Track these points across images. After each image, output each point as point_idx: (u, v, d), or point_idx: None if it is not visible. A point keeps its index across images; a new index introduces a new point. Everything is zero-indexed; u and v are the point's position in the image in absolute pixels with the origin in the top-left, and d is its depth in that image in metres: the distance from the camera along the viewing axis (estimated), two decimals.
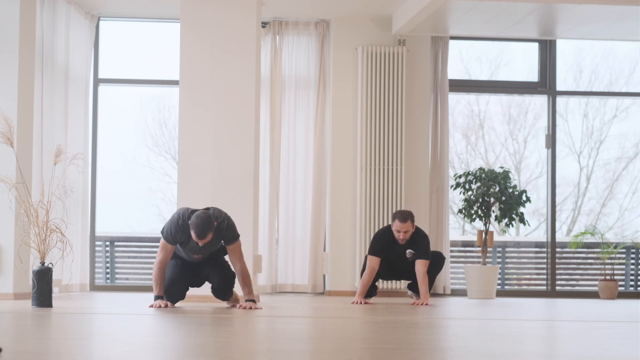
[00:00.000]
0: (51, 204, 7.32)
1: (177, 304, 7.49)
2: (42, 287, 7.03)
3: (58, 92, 9.50)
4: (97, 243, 10.49)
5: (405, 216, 8.23)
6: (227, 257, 7.39)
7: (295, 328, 5.46)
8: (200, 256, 7.26)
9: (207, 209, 7.13)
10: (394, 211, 10.12)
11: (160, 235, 7.18)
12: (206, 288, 7.78)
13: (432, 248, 10.43)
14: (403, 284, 10.18)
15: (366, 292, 8.39)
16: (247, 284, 7.18)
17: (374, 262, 8.30)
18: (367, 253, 8.54)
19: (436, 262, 8.49)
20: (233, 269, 7.30)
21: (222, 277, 7.34)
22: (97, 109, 10.47)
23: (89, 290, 10.19)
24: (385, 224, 10.04)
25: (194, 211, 7.05)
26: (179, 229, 7.03)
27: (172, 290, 7.29)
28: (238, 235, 7.18)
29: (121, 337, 4.66)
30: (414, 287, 8.62)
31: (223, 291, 7.42)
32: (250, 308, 7.04)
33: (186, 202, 8.37)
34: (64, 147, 8.05)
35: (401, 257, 8.36)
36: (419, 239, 8.33)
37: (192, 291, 7.96)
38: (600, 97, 11.57)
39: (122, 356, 3.66)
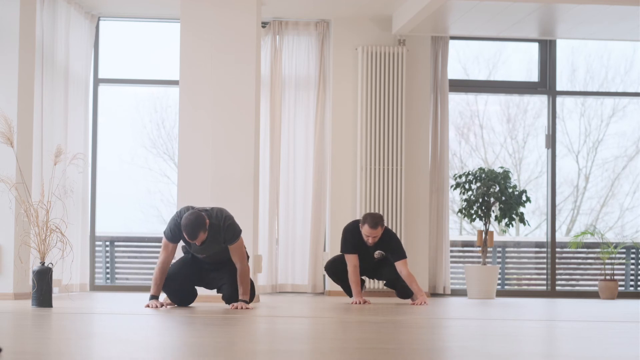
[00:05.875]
0: (51, 204, 7.32)
1: (172, 304, 7.48)
2: (42, 287, 7.03)
3: (58, 92, 9.50)
4: (97, 243, 10.49)
5: (376, 222, 8.07)
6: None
7: (295, 328, 5.46)
8: (205, 256, 7.29)
9: (208, 209, 7.16)
10: (387, 213, 10.13)
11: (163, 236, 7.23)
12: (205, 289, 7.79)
13: (433, 249, 10.46)
14: None
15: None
16: (243, 283, 7.18)
17: (353, 259, 8.21)
18: (337, 256, 8.53)
19: None
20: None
21: (234, 290, 7.31)
22: (97, 109, 10.47)
23: (89, 290, 10.19)
24: (385, 224, 10.04)
25: (192, 209, 7.08)
26: (177, 227, 7.07)
27: (170, 285, 7.33)
28: (239, 234, 7.18)
29: (121, 337, 4.66)
30: (403, 294, 8.53)
31: (233, 299, 7.42)
32: (241, 308, 7.05)
33: (186, 202, 8.37)
34: (64, 147, 8.05)
35: (369, 256, 8.32)
36: (388, 239, 8.23)
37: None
38: (597, 96, 11.57)
39: (122, 356, 3.66)
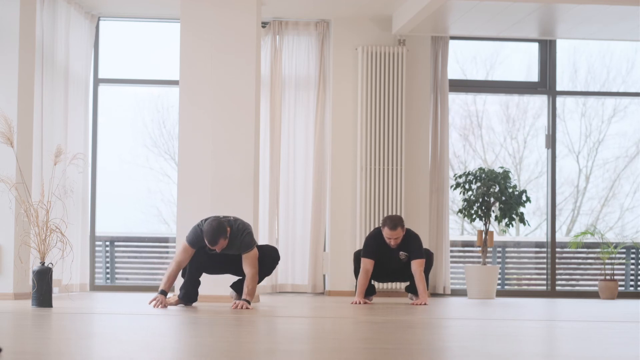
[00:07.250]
0: (51, 204, 7.32)
1: (172, 306, 7.49)
2: (42, 287, 7.03)
3: (58, 92, 9.50)
4: (97, 243, 10.49)
5: (395, 224, 8.22)
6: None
7: (295, 328, 5.46)
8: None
9: (232, 219, 7.36)
10: (387, 214, 10.12)
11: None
12: (211, 288, 7.80)
13: (433, 249, 10.45)
14: (401, 285, 10.17)
15: (365, 292, 8.39)
16: (249, 285, 7.27)
17: (367, 264, 8.32)
18: (360, 254, 8.56)
19: (426, 260, 8.52)
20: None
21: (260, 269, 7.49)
22: (97, 109, 10.47)
23: (89, 290, 10.19)
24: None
25: (216, 217, 7.33)
26: (199, 234, 7.26)
27: (197, 260, 7.45)
28: (252, 246, 7.36)
29: (121, 337, 4.66)
30: (412, 289, 8.62)
31: (239, 287, 7.62)
32: (242, 307, 7.08)
33: (186, 203, 8.38)
34: (64, 147, 8.05)
35: (394, 259, 8.38)
36: (410, 240, 8.36)
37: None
38: (598, 96, 11.56)
39: (122, 356, 3.66)
